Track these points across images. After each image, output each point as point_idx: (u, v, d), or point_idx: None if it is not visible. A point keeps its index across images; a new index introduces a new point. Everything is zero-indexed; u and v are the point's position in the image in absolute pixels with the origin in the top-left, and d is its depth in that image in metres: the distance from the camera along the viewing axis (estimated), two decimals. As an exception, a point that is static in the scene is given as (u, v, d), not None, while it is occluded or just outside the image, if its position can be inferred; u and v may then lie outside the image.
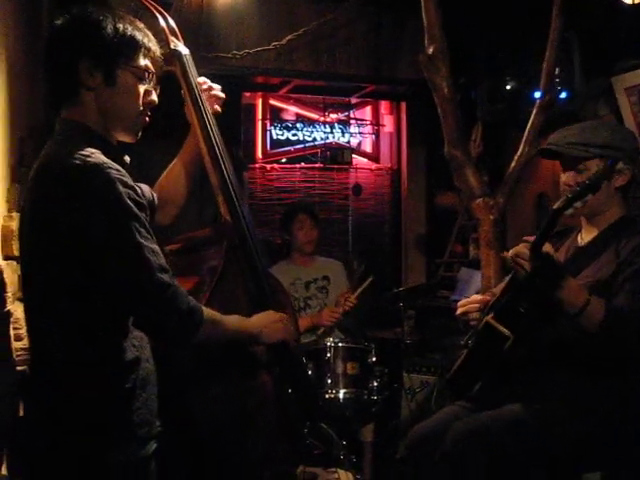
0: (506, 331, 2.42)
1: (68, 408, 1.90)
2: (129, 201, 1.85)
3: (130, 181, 1.89)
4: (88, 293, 1.89)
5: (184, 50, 2.47)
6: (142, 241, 1.86)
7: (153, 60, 2.09)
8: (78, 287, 1.88)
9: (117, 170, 1.87)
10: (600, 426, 2.44)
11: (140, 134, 2.13)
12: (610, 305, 2.38)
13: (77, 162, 1.83)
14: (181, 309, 1.94)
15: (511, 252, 2.44)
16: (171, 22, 2.48)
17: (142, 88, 2.06)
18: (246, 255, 2.46)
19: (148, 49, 2.07)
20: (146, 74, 2.06)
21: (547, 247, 2.35)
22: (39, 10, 3.16)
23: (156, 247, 1.92)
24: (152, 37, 2.10)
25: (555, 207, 2.33)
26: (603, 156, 2.57)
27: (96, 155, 1.87)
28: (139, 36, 2.03)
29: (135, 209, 1.86)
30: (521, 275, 2.41)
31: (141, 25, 2.08)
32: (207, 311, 2.04)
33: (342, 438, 3.87)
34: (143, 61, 2.05)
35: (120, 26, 1.99)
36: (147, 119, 2.11)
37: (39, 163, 1.94)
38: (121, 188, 1.84)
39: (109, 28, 1.97)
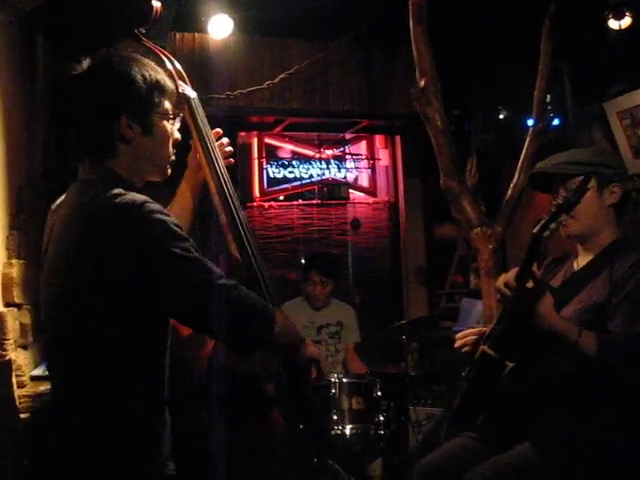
0: (498, 355, 2.43)
1: (93, 449, 1.89)
2: (175, 227, 1.89)
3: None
4: (131, 333, 1.89)
5: (192, 93, 2.48)
6: (199, 256, 1.90)
7: (171, 98, 2.12)
8: (123, 326, 1.88)
9: (152, 203, 1.90)
10: (610, 458, 2.40)
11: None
12: (603, 338, 2.35)
13: (117, 200, 1.86)
14: (256, 305, 1.99)
15: (499, 280, 2.46)
16: (178, 66, 2.49)
17: (171, 129, 2.10)
18: (257, 293, 2.46)
19: (170, 90, 2.10)
20: (171, 114, 2.10)
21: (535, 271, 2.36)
22: (34, 57, 3.19)
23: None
24: (165, 74, 2.13)
25: (534, 231, 2.33)
26: (591, 173, 2.54)
27: (131, 193, 1.90)
28: (161, 80, 2.07)
29: (181, 232, 1.91)
30: (506, 303, 2.43)
31: (155, 65, 2.11)
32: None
33: (351, 474, 3.84)
34: (168, 104, 2.09)
35: (146, 74, 2.01)
36: (173, 156, 2.15)
37: (71, 206, 1.96)
38: (165, 217, 1.89)
39: (139, 79, 1.99)
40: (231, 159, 2.59)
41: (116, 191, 1.88)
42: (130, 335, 1.90)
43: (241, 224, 2.46)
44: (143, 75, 2.00)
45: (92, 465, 1.89)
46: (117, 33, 2.77)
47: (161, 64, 2.44)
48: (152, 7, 2.53)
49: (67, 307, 1.92)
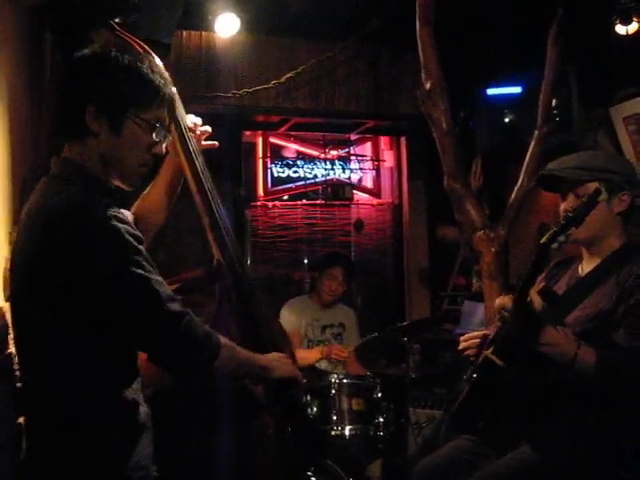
0: (504, 364, 2.43)
1: (65, 452, 1.86)
2: (128, 236, 1.82)
3: (125, 217, 1.86)
4: (91, 336, 1.85)
5: None
6: (147, 274, 1.84)
7: (169, 107, 2.02)
8: (81, 331, 1.84)
9: (109, 207, 1.83)
10: (611, 464, 2.40)
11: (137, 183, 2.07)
12: (602, 354, 2.34)
13: (71, 206, 1.80)
14: (198, 336, 1.92)
15: (498, 300, 2.48)
16: (156, 59, 2.42)
17: (149, 139, 1.96)
18: (239, 297, 2.43)
19: (167, 98, 1.99)
20: (157, 125, 1.96)
21: (538, 287, 2.36)
22: (42, 50, 3.18)
23: (160, 278, 1.89)
24: (169, 79, 2.02)
25: (542, 241, 2.31)
26: (602, 179, 2.52)
27: (89, 195, 1.84)
28: (159, 83, 1.95)
29: (135, 243, 1.84)
30: (504, 325, 2.46)
31: (161, 66, 2.02)
32: (222, 338, 2.00)
33: (349, 475, 3.83)
34: (157, 111, 1.96)
35: (138, 71, 1.91)
36: (147, 169, 2.03)
37: (32, 204, 1.91)
38: (119, 225, 1.81)
39: (123, 73, 1.90)
40: (214, 142, 2.52)
41: (72, 195, 1.83)
42: (92, 337, 1.85)
43: (222, 225, 2.41)
44: (132, 71, 1.90)
45: (55, 467, 1.86)
46: (92, 24, 2.69)
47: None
48: None
49: (26, 304, 1.89)
